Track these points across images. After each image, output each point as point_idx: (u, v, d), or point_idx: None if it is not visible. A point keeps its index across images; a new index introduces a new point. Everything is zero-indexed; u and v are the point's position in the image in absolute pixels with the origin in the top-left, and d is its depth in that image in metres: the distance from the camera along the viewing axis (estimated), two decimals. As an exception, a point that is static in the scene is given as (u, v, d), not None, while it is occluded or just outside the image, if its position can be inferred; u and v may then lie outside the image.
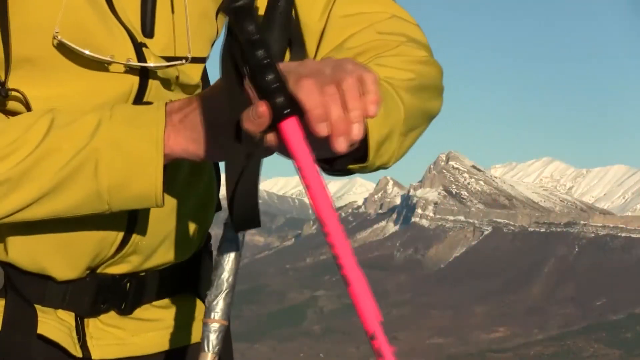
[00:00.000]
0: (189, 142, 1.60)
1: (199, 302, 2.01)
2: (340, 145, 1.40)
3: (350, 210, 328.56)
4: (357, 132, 1.42)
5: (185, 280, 1.97)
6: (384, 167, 1.73)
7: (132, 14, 1.77)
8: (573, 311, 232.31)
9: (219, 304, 1.64)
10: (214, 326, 1.63)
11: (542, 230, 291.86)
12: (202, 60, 1.87)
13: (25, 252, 1.77)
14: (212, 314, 1.64)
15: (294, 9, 1.86)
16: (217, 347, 1.64)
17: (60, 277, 1.80)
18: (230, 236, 1.65)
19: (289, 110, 1.40)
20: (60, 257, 1.78)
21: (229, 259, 1.65)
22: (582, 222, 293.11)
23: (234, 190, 1.48)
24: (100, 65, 1.71)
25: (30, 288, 1.80)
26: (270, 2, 1.73)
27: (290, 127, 1.41)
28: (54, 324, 1.81)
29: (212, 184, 2.00)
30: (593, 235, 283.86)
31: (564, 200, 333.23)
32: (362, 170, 1.70)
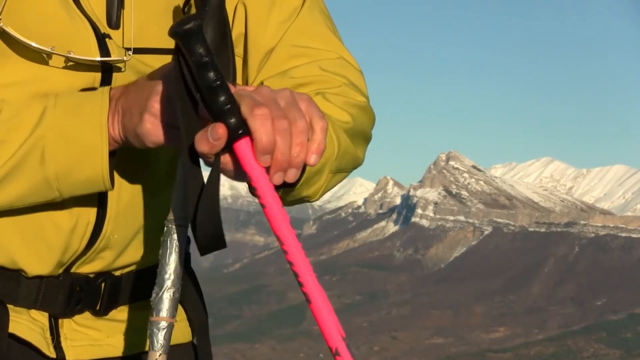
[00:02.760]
0: (134, 127, 1.59)
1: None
2: (275, 180, 1.45)
3: (350, 210, 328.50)
4: (292, 176, 1.48)
5: None
6: (308, 199, 1.77)
7: (97, 5, 1.75)
8: (573, 311, 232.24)
9: (164, 302, 1.62)
10: (160, 324, 1.61)
11: (542, 230, 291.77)
12: (170, 51, 1.82)
13: None
14: (157, 311, 1.62)
15: (245, 24, 1.90)
16: (164, 345, 1.62)
17: (31, 272, 1.78)
18: (173, 232, 1.63)
19: (241, 131, 1.42)
20: (29, 248, 1.77)
21: (173, 256, 1.63)
22: (582, 222, 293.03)
23: (195, 213, 1.46)
24: (57, 56, 1.70)
25: (3, 287, 1.79)
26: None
27: (245, 147, 1.43)
28: (27, 324, 1.80)
29: None
30: (593, 235, 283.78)
31: (564, 200, 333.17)
32: (284, 198, 1.68)
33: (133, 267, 1.89)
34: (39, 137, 1.61)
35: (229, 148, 1.44)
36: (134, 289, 1.90)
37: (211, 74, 1.41)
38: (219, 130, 1.41)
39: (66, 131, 1.61)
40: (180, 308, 1.89)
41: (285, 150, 1.44)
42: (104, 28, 1.74)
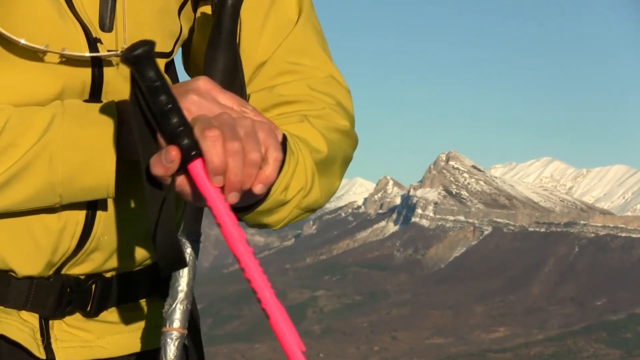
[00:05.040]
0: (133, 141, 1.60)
1: None
2: (230, 199, 1.50)
3: (350, 210, 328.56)
4: (232, 199, 1.50)
5: (153, 284, 1.94)
6: (268, 227, 1.80)
7: (90, 8, 1.75)
8: (573, 311, 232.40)
9: (176, 313, 1.65)
10: (172, 334, 1.65)
11: (542, 230, 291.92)
12: (162, 55, 1.85)
13: None
14: (170, 322, 1.66)
15: (239, 34, 1.88)
16: (177, 355, 1.66)
17: (21, 272, 1.78)
18: (186, 247, 1.68)
19: (195, 152, 1.46)
20: (17, 248, 1.77)
21: (185, 269, 1.67)
22: (582, 222, 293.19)
23: (154, 234, 1.51)
24: (50, 57, 1.71)
25: None
26: (216, 20, 1.79)
27: (198, 168, 1.46)
28: (17, 325, 1.80)
29: None
30: (593, 235, 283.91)
31: (564, 200, 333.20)
32: (241, 219, 1.72)
33: (124, 269, 1.89)
34: (48, 141, 1.63)
35: (183, 170, 1.47)
36: (125, 290, 1.90)
37: (163, 98, 1.45)
38: (172, 153, 1.45)
39: (75, 137, 1.63)
40: None
41: (238, 171, 1.48)
42: (95, 32, 1.75)
